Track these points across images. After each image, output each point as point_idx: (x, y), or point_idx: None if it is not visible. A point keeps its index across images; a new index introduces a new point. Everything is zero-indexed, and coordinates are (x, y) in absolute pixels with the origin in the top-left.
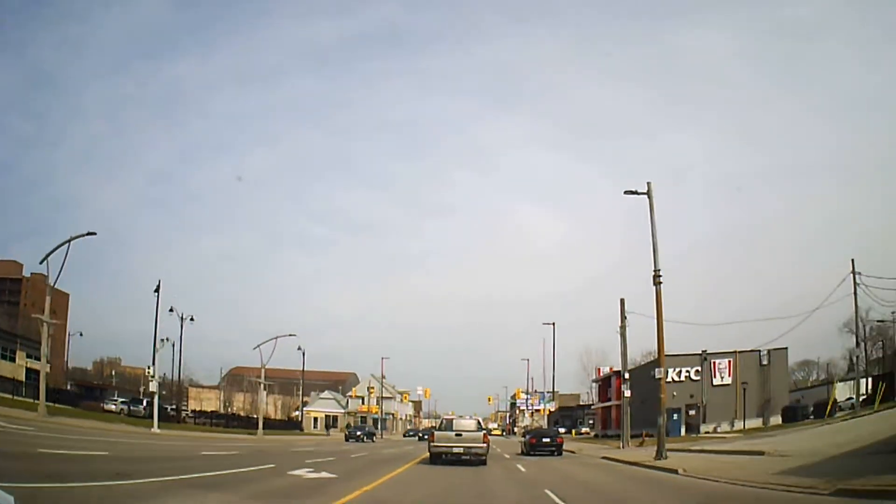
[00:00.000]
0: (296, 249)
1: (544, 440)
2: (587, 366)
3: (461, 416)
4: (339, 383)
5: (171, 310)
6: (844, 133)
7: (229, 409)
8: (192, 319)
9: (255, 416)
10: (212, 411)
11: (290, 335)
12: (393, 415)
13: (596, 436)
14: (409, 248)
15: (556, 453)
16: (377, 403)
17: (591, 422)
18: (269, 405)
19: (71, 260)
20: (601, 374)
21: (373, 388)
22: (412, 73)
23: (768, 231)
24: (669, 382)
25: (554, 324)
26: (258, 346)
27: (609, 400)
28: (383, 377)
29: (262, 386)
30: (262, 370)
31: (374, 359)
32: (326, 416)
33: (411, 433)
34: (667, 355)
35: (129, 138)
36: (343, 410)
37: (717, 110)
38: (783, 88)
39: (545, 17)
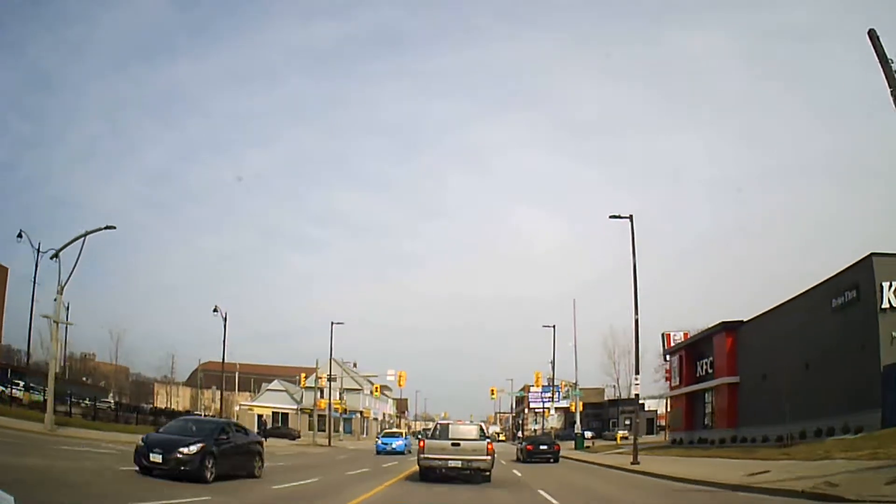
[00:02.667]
0: (292, 250)
1: (541, 447)
2: (612, 352)
3: (459, 421)
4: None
5: (33, 246)
6: (843, 133)
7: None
8: (54, 257)
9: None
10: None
11: (108, 227)
12: (362, 413)
13: (675, 441)
14: (406, 249)
15: (552, 461)
16: (339, 396)
17: (626, 423)
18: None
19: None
20: (672, 342)
21: (324, 375)
22: (409, 74)
23: (767, 230)
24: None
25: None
26: (57, 251)
27: (704, 378)
28: (340, 361)
29: (55, 329)
30: (59, 294)
31: (367, 356)
32: (274, 412)
33: None
34: (880, 254)
35: (127, 138)
36: (296, 406)
37: (717, 111)
38: (783, 89)
39: (543, 17)
